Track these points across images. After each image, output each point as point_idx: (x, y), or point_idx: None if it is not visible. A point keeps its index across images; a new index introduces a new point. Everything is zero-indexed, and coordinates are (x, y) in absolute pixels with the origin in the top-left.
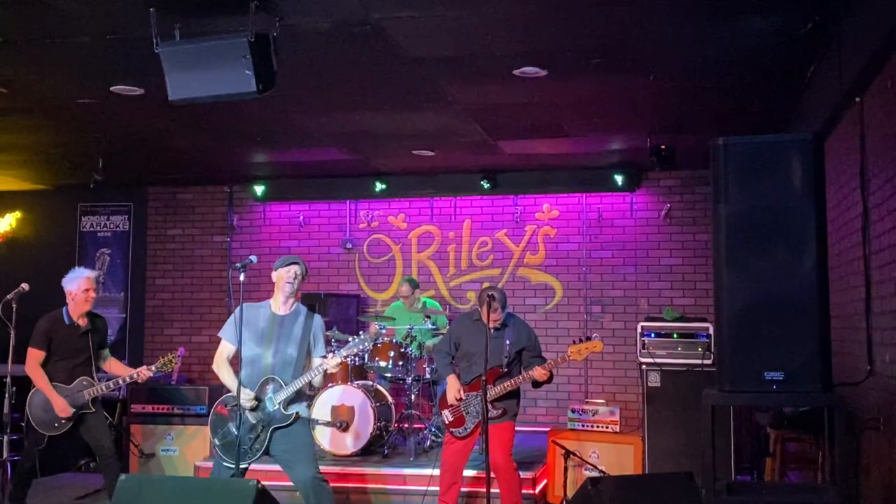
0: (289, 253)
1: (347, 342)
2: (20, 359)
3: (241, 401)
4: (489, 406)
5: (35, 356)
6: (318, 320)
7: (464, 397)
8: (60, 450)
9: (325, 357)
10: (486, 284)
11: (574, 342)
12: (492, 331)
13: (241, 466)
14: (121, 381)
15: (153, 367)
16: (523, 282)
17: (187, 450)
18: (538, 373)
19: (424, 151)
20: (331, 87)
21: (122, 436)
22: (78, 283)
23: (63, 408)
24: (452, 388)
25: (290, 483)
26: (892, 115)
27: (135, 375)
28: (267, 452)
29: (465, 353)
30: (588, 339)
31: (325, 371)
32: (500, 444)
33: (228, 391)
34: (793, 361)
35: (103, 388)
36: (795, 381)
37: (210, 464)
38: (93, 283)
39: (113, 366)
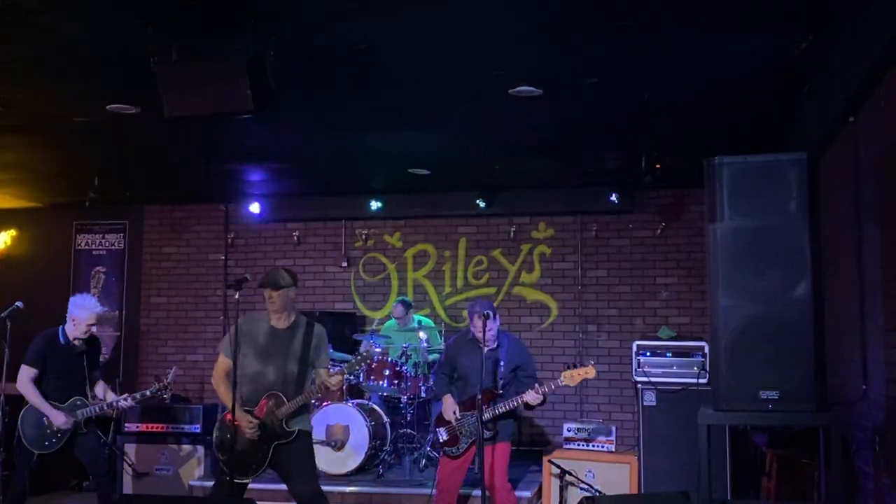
0: None
1: (346, 363)
2: (13, 378)
3: (245, 429)
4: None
5: (28, 373)
6: (318, 330)
7: (459, 416)
8: (54, 469)
9: (328, 368)
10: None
11: (568, 366)
12: (486, 350)
13: (244, 482)
14: (105, 406)
15: (137, 395)
16: (519, 300)
17: (182, 469)
18: (531, 397)
19: (420, 170)
20: (327, 105)
21: (115, 455)
22: (86, 316)
23: (62, 419)
24: (449, 406)
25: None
26: (886, 135)
27: (114, 402)
28: (270, 466)
29: (460, 373)
30: (582, 364)
31: (328, 387)
32: (495, 464)
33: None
34: (788, 381)
35: (97, 409)
36: (791, 401)
37: (205, 483)
38: (97, 320)
39: (100, 390)
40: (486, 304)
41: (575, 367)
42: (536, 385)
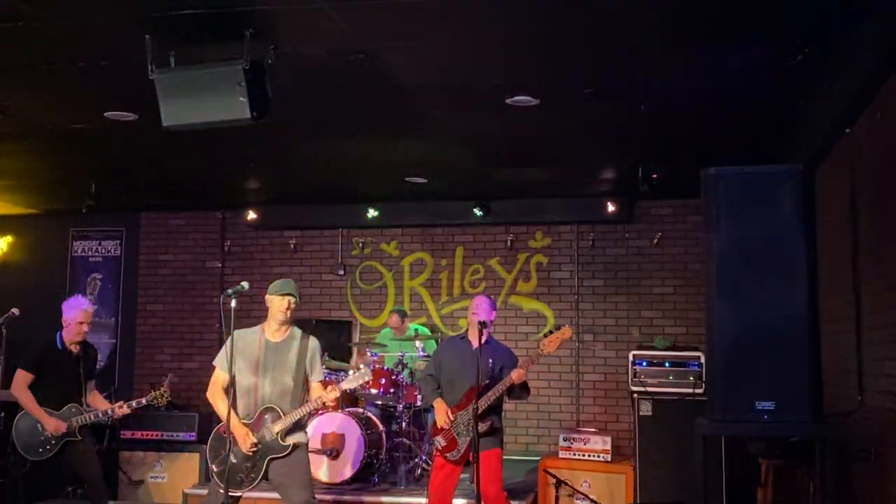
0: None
1: (343, 371)
2: (8, 384)
3: (242, 443)
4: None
5: (23, 377)
6: (313, 343)
7: (453, 419)
8: (48, 476)
9: (322, 380)
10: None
11: (545, 334)
12: (475, 347)
13: (237, 495)
14: (100, 414)
15: (133, 403)
16: (515, 310)
17: (176, 477)
18: (515, 374)
19: (417, 179)
20: (325, 114)
21: (110, 462)
22: (75, 314)
23: (56, 426)
24: (441, 412)
25: None
26: (881, 146)
27: (110, 412)
28: (264, 478)
29: (448, 372)
30: (557, 328)
31: (324, 403)
32: (489, 473)
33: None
34: (784, 391)
35: (91, 416)
36: (786, 411)
37: (200, 491)
38: (89, 317)
39: (94, 399)
40: (490, 302)
41: (551, 333)
42: (520, 361)
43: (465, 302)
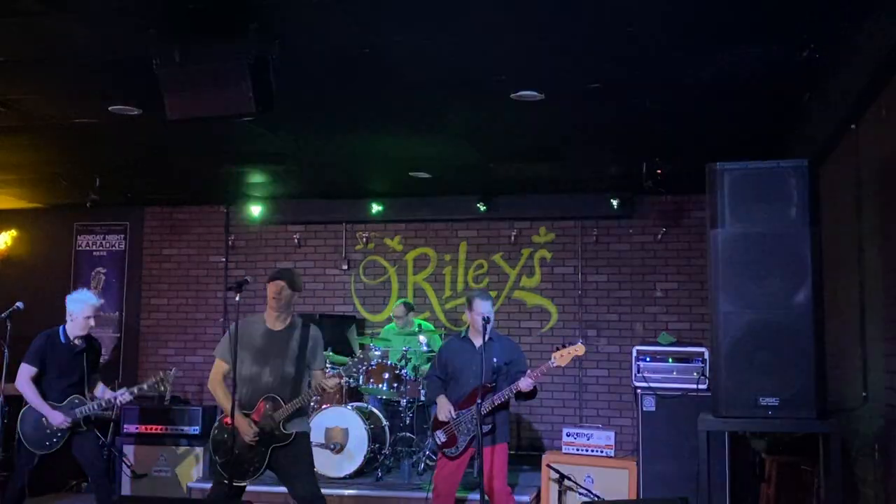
0: None
1: (343, 364)
2: (13, 378)
3: (244, 434)
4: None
5: (27, 371)
6: (314, 331)
7: (455, 415)
8: (52, 470)
9: (323, 369)
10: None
11: (558, 347)
12: (478, 345)
13: (241, 485)
14: (104, 403)
15: (134, 389)
16: (519, 305)
17: (180, 471)
18: (524, 383)
19: (421, 174)
20: (329, 108)
21: (114, 456)
22: (82, 308)
23: (60, 419)
24: (444, 406)
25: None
26: (887, 142)
27: (112, 399)
28: (268, 468)
29: (453, 371)
30: (571, 343)
31: (324, 389)
32: (494, 468)
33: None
34: (788, 387)
35: (95, 406)
36: (790, 408)
37: (203, 485)
38: (96, 311)
39: (98, 392)
40: (486, 296)
41: (564, 346)
42: (529, 371)
43: None
